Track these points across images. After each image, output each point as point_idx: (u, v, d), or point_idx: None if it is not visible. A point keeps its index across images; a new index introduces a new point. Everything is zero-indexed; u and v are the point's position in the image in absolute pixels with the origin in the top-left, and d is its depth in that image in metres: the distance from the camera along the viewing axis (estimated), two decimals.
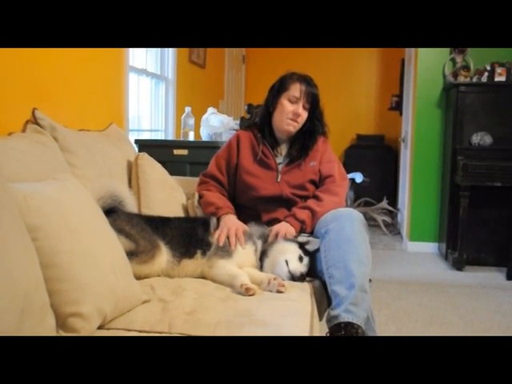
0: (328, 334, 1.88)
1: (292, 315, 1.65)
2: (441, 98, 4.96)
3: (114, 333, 1.48)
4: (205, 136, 3.68)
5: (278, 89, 2.39)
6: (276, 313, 1.65)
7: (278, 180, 2.37)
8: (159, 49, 4.35)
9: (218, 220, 2.23)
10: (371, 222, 5.86)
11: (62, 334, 1.36)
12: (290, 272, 2.03)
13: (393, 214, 6.29)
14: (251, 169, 2.39)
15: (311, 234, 2.24)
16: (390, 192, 6.52)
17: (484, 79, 4.63)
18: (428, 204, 5.10)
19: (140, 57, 4.03)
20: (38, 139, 1.94)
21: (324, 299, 2.09)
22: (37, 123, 2.03)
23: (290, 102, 2.35)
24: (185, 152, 3.37)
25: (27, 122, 2.04)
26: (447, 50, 4.87)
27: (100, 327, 1.48)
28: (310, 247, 2.13)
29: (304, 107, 2.36)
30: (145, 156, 2.50)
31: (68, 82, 2.64)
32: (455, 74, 4.77)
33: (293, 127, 2.38)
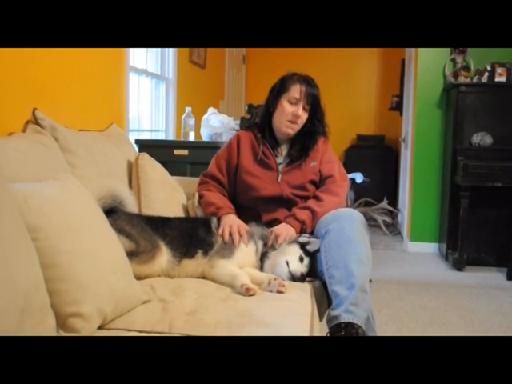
0: (328, 335, 1.88)
1: (292, 315, 1.65)
2: (441, 98, 4.96)
3: (114, 333, 1.48)
4: (205, 136, 3.68)
5: (279, 90, 2.39)
6: (276, 313, 1.65)
7: (279, 180, 2.37)
8: (159, 49, 4.35)
9: (219, 220, 2.23)
10: (371, 223, 5.86)
11: (63, 334, 1.36)
12: (290, 272, 2.03)
13: (393, 215, 6.29)
14: (251, 169, 2.39)
15: (311, 234, 2.23)
16: (391, 192, 6.52)
17: (484, 79, 4.63)
18: (428, 204, 5.10)
19: (140, 57, 4.03)
20: (39, 139, 1.94)
21: (324, 299, 2.09)
22: (37, 123, 2.03)
23: (290, 103, 2.34)
24: (185, 152, 3.37)
25: (27, 122, 2.04)
26: (447, 50, 4.87)
27: (100, 327, 1.48)
28: (310, 248, 2.13)
29: (304, 108, 2.35)
30: (145, 156, 2.50)
31: (68, 82, 2.64)
32: (455, 75, 4.77)
33: (292, 129, 2.38)
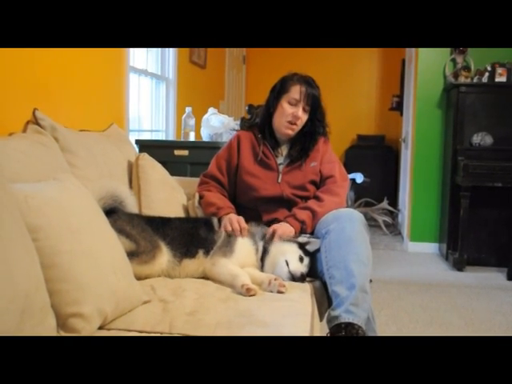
0: (328, 335, 1.88)
1: (292, 316, 1.65)
2: (441, 98, 4.96)
3: (114, 333, 1.48)
4: (205, 136, 3.68)
5: (279, 90, 2.39)
6: (276, 313, 1.65)
7: (279, 180, 2.37)
8: (160, 49, 4.35)
9: (219, 220, 2.23)
10: (372, 223, 5.86)
11: (63, 334, 1.36)
12: (290, 272, 2.03)
13: (393, 215, 6.29)
14: (252, 169, 2.39)
15: (312, 234, 2.23)
16: (391, 192, 6.52)
17: (485, 80, 4.63)
18: (428, 204, 5.10)
19: (140, 57, 4.03)
20: (39, 140, 1.94)
21: (324, 300, 2.09)
22: (37, 123, 2.03)
23: (290, 104, 2.34)
24: (185, 152, 3.37)
25: (28, 122, 2.04)
26: (448, 50, 4.87)
27: (100, 327, 1.48)
28: (310, 247, 2.13)
29: (304, 109, 2.35)
30: (145, 156, 2.50)
31: (68, 83, 2.64)
32: (456, 75, 4.77)
33: (291, 130, 2.38)
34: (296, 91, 2.33)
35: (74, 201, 1.56)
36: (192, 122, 3.64)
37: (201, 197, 2.42)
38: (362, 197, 6.15)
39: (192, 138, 3.63)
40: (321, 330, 1.95)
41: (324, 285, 2.07)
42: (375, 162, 6.62)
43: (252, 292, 1.82)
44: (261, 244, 2.15)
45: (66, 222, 1.45)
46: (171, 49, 4.42)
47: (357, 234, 2.03)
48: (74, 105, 2.70)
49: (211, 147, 3.28)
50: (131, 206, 2.12)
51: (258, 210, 2.36)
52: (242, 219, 2.21)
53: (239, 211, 2.34)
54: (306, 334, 1.55)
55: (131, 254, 1.83)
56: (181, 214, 2.43)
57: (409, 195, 5.35)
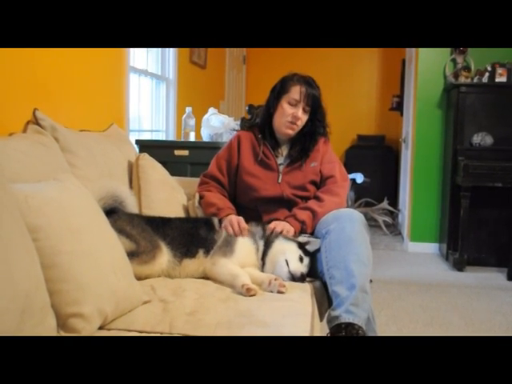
0: (329, 335, 1.88)
1: (292, 316, 1.65)
2: (441, 98, 4.96)
3: (114, 333, 1.48)
4: (205, 136, 3.68)
5: (279, 91, 2.38)
6: (276, 313, 1.65)
7: (279, 181, 2.37)
8: (160, 49, 4.35)
9: (220, 222, 2.23)
10: (372, 223, 5.86)
11: (63, 334, 1.36)
12: (290, 272, 2.03)
13: (393, 215, 6.29)
14: (252, 169, 2.39)
15: (312, 234, 2.23)
16: (391, 192, 6.52)
17: (485, 80, 4.63)
18: (429, 204, 5.10)
19: (141, 57, 4.03)
20: (39, 140, 1.94)
21: (325, 300, 2.09)
22: (37, 124, 2.03)
23: (290, 104, 2.34)
24: (185, 152, 3.37)
25: (28, 122, 2.04)
26: (448, 50, 4.87)
27: (101, 328, 1.48)
28: (310, 247, 2.13)
29: (304, 110, 2.35)
30: (145, 156, 2.50)
31: (68, 83, 2.64)
32: (456, 75, 4.77)
33: (292, 130, 2.38)
34: (296, 91, 2.33)
35: (74, 201, 1.56)
36: (192, 122, 3.64)
37: (201, 197, 2.42)
38: (362, 197, 6.15)
39: (192, 138, 3.63)
40: (321, 330, 1.95)
41: (324, 285, 2.07)
42: (375, 162, 6.62)
43: (252, 292, 1.82)
44: (261, 243, 2.14)
45: (66, 222, 1.45)
46: (171, 49, 4.42)
47: (357, 234, 2.03)
48: (74, 105, 2.70)
49: (211, 147, 3.28)
50: (131, 206, 2.12)
51: (258, 211, 2.36)
52: (241, 220, 2.21)
53: (239, 211, 2.34)
54: (306, 334, 1.55)
55: (131, 254, 1.83)
56: (181, 214, 2.43)
57: (409, 195, 5.35)
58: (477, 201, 4.48)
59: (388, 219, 6.03)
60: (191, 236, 2.10)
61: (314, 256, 2.14)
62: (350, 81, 7.15)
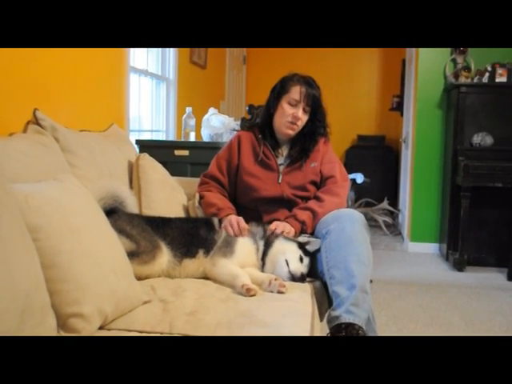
0: (329, 335, 1.88)
1: (293, 316, 1.65)
2: (442, 98, 4.96)
3: (114, 333, 1.48)
4: (206, 136, 3.68)
5: (279, 91, 2.38)
6: (277, 313, 1.65)
7: (279, 181, 2.37)
8: (160, 49, 4.35)
9: (220, 222, 2.23)
10: (372, 223, 5.86)
11: (63, 334, 1.36)
12: (290, 272, 2.03)
13: (394, 215, 6.29)
14: (252, 170, 2.39)
15: (312, 234, 2.23)
16: (391, 192, 6.52)
17: (485, 80, 4.63)
18: (429, 205, 5.10)
19: (141, 57, 4.03)
20: (39, 140, 1.94)
21: (325, 300, 2.08)
22: (38, 124, 2.03)
23: (290, 105, 2.34)
24: (186, 152, 3.37)
25: (28, 122, 2.04)
26: (448, 50, 4.87)
27: (101, 328, 1.48)
28: (310, 247, 2.13)
29: (304, 110, 2.35)
30: (146, 156, 2.50)
31: (69, 83, 2.64)
32: (456, 75, 4.77)
33: (292, 130, 2.38)
34: (296, 92, 2.33)
35: (74, 201, 1.56)
36: (192, 122, 3.64)
37: (201, 197, 2.42)
38: (362, 197, 6.15)
39: (192, 138, 3.63)
40: (321, 330, 1.95)
41: (324, 285, 2.07)
42: (375, 162, 6.62)
43: (252, 292, 1.82)
44: (261, 243, 2.14)
45: (66, 222, 1.45)
46: (171, 49, 4.42)
47: (357, 235, 2.03)
48: (75, 105, 2.70)
49: (211, 147, 3.28)
50: (131, 206, 2.12)
51: (258, 211, 2.36)
52: (241, 220, 2.21)
53: (239, 211, 2.34)
54: (307, 334, 1.55)
55: (131, 254, 1.83)
56: (181, 214, 2.43)
57: (409, 195, 5.35)
58: (477, 201, 4.47)
59: (388, 219, 6.03)
60: (191, 236, 2.10)
61: (314, 256, 2.14)
62: (350, 81, 7.15)
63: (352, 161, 6.55)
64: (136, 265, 1.84)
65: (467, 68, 4.75)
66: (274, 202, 2.35)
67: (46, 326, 1.28)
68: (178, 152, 3.36)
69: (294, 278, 2.02)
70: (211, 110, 3.75)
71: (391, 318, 3.21)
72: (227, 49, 6.21)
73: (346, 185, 2.43)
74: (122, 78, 3.35)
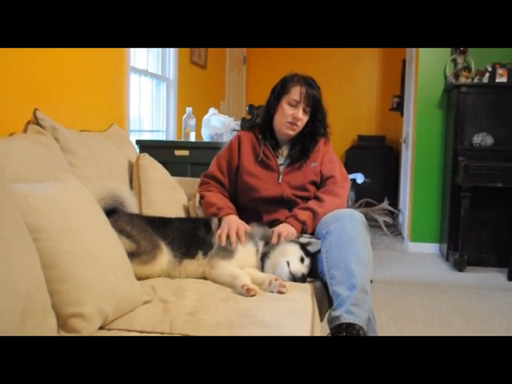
0: (329, 335, 1.88)
1: (293, 316, 1.65)
2: (442, 98, 4.96)
3: (115, 333, 1.48)
4: (206, 137, 3.68)
5: (279, 91, 2.38)
6: (277, 313, 1.65)
7: (279, 181, 2.37)
8: (160, 49, 4.35)
9: (220, 221, 2.23)
10: (372, 223, 5.86)
11: (63, 334, 1.36)
12: (291, 273, 2.03)
13: (394, 215, 6.29)
14: (252, 170, 2.39)
15: (312, 234, 2.23)
16: (391, 193, 6.52)
17: (485, 80, 4.63)
18: (429, 205, 5.10)
19: (141, 57, 4.03)
20: (39, 140, 1.94)
21: (325, 300, 2.08)
22: (38, 124, 2.03)
23: (290, 105, 2.34)
24: (186, 153, 3.37)
25: (28, 122, 2.04)
26: (448, 50, 4.87)
27: (101, 328, 1.48)
28: (311, 248, 2.13)
29: (304, 110, 2.35)
30: (146, 156, 2.50)
31: (69, 83, 2.64)
32: (456, 75, 4.77)
33: (292, 131, 2.37)
34: (296, 92, 2.33)
35: (74, 201, 1.56)
36: (192, 122, 3.64)
37: (201, 197, 2.41)
38: (362, 197, 6.15)
39: (192, 138, 3.63)
40: (321, 330, 1.95)
41: (324, 285, 2.07)
42: (376, 162, 6.62)
43: (252, 292, 1.82)
44: (261, 244, 2.14)
45: (66, 223, 1.45)
46: (172, 49, 4.42)
47: (357, 235, 2.03)
48: (75, 105, 2.70)
49: (212, 147, 3.28)
50: (132, 206, 2.12)
51: (258, 211, 2.36)
52: (241, 227, 2.18)
53: (240, 212, 2.34)
54: (307, 334, 1.55)
55: (132, 254, 1.83)
56: (181, 214, 2.43)
57: (409, 195, 5.35)
58: (477, 201, 4.47)
59: (388, 219, 6.03)
60: (191, 237, 2.10)
61: (314, 256, 2.14)
62: (351, 81, 7.15)
63: (352, 161, 6.55)
64: (136, 265, 1.84)
65: (467, 68, 4.75)
66: (274, 202, 2.35)
67: (46, 326, 1.28)
68: (178, 152, 3.37)
69: (294, 279, 2.02)
70: (211, 110, 3.75)
71: (391, 318, 3.21)
72: (227, 49, 6.21)
73: (346, 185, 2.43)
74: (122, 78, 3.35)
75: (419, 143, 5.06)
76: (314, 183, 2.39)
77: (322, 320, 2.05)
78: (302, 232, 2.23)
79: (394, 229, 6.13)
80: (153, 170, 2.48)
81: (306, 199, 2.36)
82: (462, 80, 4.67)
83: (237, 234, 2.13)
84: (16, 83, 2.20)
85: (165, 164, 2.66)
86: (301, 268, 2.06)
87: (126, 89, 3.40)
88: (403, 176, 6.11)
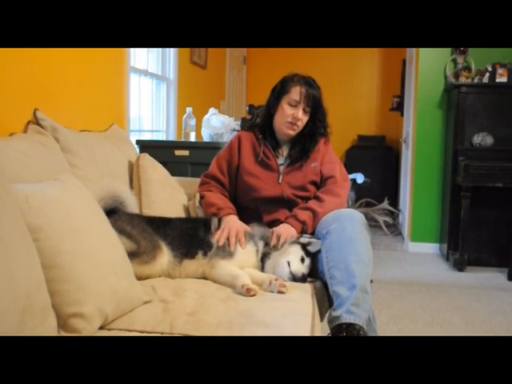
0: (329, 335, 1.88)
1: (293, 316, 1.65)
2: (442, 98, 4.96)
3: (115, 333, 1.48)
4: (206, 137, 3.68)
5: (279, 91, 2.38)
6: (277, 313, 1.65)
7: (279, 181, 2.37)
8: (160, 49, 4.35)
9: (219, 221, 2.23)
10: (372, 223, 5.86)
11: (64, 334, 1.36)
12: (291, 273, 2.03)
13: (394, 215, 6.29)
14: (252, 170, 2.39)
15: (312, 234, 2.23)
16: (391, 193, 6.52)
17: (485, 80, 4.63)
18: (429, 205, 5.10)
19: (141, 57, 4.03)
20: (40, 140, 1.94)
21: (325, 300, 2.08)
22: (38, 124, 2.03)
23: (290, 105, 2.34)
24: (186, 153, 3.37)
25: (28, 122, 2.04)
26: (448, 50, 4.87)
27: (101, 328, 1.48)
28: (311, 248, 2.13)
29: (304, 110, 2.35)
30: (146, 156, 2.50)
31: (69, 83, 2.64)
32: (456, 75, 4.77)
33: (292, 131, 2.37)
34: (296, 92, 2.33)
35: (74, 201, 1.56)
36: (193, 122, 3.64)
37: (201, 197, 2.41)
38: (362, 197, 6.15)
39: (193, 138, 3.63)
40: (321, 330, 1.95)
41: (325, 285, 2.07)
42: (376, 162, 6.62)
43: (252, 292, 1.82)
44: (261, 244, 2.14)
45: (66, 223, 1.45)
46: (172, 49, 4.42)
47: (358, 235, 2.03)
48: (75, 105, 2.70)
49: (212, 147, 3.28)
50: (132, 206, 2.12)
51: (258, 211, 2.36)
52: (241, 229, 2.18)
53: (240, 211, 2.34)
54: (307, 334, 1.55)
55: (132, 254, 1.83)
56: (181, 214, 2.43)
57: (409, 195, 5.35)
58: (477, 201, 4.47)
59: (388, 219, 6.03)
60: (191, 237, 2.10)
61: (314, 256, 2.14)
62: (351, 81, 7.15)
63: (352, 161, 6.55)
64: (136, 265, 1.84)
65: (467, 68, 4.75)
66: (274, 202, 2.35)
67: (46, 326, 1.28)
68: (178, 152, 3.37)
69: (294, 279, 2.02)
70: (211, 110, 3.75)
71: (391, 318, 3.21)
72: (227, 49, 6.21)
73: (346, 185, 2.43)
74: (123, 78, 3.35)
75: (419, 143, 5.06)
76: (314, 183, 2.39)
77: (322, 320, 2.05)
78: (302, 232, 2.23)
79: (394, 229, 6.13)
80: (153, 170, 2.48)
81: (306, 199, 2.36)
82: (462, 80, 4.68)
83: (236, 236, 2.13)
84: (16, 83, 2.20)
85: (165, 164, 2.66)
86: (301, 268, 2.06)
87: (126, 89, 3.40)
88: (403, 176, 6.11)
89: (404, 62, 6.28)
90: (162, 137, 4.46)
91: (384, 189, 6.45)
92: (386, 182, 6.62)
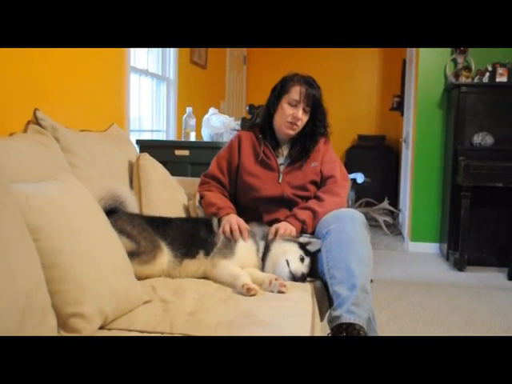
0: (330, 335, 1.88)
1: (293, 315, 1.65)
2: (442, 98, 4.96)
3: (115, 333, 1.48)
4: (206, 136, 3.68)
5: (279, 91, 2.38)
6: (277, 313, 1.65)
7: (280, 181, 2.37)
8: (160, 49, 4.35)
9: (219, 221, 2.23)
10: (372, 223, 5.86)
11: (64, 334, 1.36)
12: (291, 272, 2.03)
13: (394, 215, 6.29)
14: (252, 169, 2.39)
15: (312, 234, 2.23)
16: (392, 192, 6.52)
17: (485, 80, 4.63)
18: (429, 204, 5.10)
19: (141, 57, 4.03)
20: (40, 140, 1.94)
21: (325, 300, 2.08)
22: (38, 124, 2.03)
23: (290, 105, 2.34)
24: (186, 152, 3.37)
25: (28, 122, 2.04)
26: (448, 50, 4.87)
27: (101, 327, 1.48)
28: (311, 248, 2.13)
29: (304, 110, 2.35)
30: (146, 156, 2.50)
31: (69, 83, 2.64)
32: (456, 75, 4.77)
33: (292, 131, 2.38)
34: (296, 92, 2.33)
35: (74, 201, 1.56)
36: (193, 122, 3.64)
37: (201, 197, 2.42)
38: (362, 197, 6.15)
39: (193, 138, 3.63)
40: (321, 330, 1.95)
41: (325, 285, 2.07)
42: (376, 162, 6.62)
43: (252, 292, 1.82)
44: (262, 244, 2.14)
45: (66, 222, 1.45)
46: (172, 49, 4.42)
47: (358, 234, 2.03)
48: (75, 105, 2.70)
49: (212, 147, 3.28)
50: (132, 206, 2.12)
51: (258, 210, 2.36)
52: (242, 221, 2.20)
53: (240, 211, 2.34)
54: (307, 334, 1.55)
55: (132, 254, 1.83)
56: (181, 214, 2.43)
57: (409, 195, 5.35)
58: (477, 201, 4.48)
59: (388, 219, 6.03)
60: (191, 236, 2.10)
61: (314, 256, 2.14)
62: (351, 81, 7.15)
63: (352, 161, 6.55)
64: (136, 265, 1.84)
65: (468, 68, 4.75)
66: (274, 201, 2.35)
67: (46, 326, 1.28)
68: (178, 152, 3.37)
69: (294, 278, 2.02)
70: (211, 110, 3.75)
71: (392, 318, 3.21)
72: (227, 49, 6.21)
73: (346, 185, 2.43)
74: (123, 78, 3.35)
75: (419, 143, 5.06)
76: (314, 183, 2.39)
77: (322, 320, 2.05)
78: (302, 231, 2.23)
79: (394, 228, 6.13)
80: (153, 169, 2.48)
81: (307, 199, 2.36)
82: (462, 80, 4.68)
83: (239, 229, 2.14)
84: (16, 83, 2.20)
85: (165, 164, 2.66)
86: (301, 267, 2.06)
87: (126, 89, 3.40)
88: (403, 176, 6.11)
89: (404, 61, 6.28)
90: (162, 137, 4.46)
91: (384, 188, 6.45)
92: (386, 181, 6.62)
